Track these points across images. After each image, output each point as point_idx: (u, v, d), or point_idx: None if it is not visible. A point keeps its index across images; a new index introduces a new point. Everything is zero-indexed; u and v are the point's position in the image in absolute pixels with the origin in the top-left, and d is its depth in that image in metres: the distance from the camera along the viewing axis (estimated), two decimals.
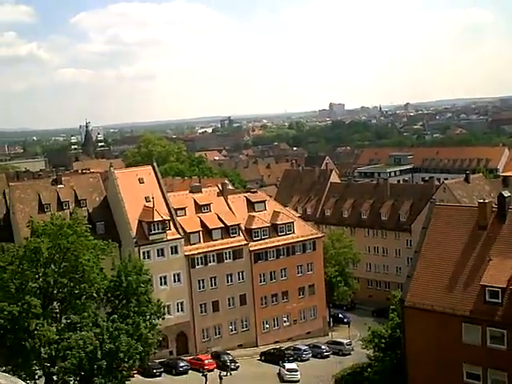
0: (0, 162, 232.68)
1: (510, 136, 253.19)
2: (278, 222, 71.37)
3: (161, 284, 62.85)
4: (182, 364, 59.81)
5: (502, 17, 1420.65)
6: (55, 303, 43.42)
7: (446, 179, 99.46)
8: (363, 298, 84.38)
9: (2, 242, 60.73)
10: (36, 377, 41.34)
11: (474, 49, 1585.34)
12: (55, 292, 42.98)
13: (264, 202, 73.94)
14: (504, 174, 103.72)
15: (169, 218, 65.21)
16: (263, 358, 64.09)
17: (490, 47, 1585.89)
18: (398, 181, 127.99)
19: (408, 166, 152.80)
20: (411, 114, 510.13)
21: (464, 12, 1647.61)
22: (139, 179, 68.22)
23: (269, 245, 70.23)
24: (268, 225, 70.81)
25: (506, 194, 40.33)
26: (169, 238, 64.55)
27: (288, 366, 58.58)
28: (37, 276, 42.07)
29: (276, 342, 68.60)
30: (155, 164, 71.62)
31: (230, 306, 67.89)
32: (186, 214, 67.85)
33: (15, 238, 61.78)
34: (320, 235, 75.49)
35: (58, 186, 68.42)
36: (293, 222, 72.54)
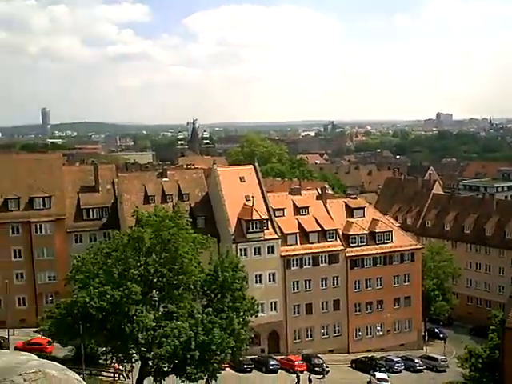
0: (111, 153, 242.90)
1: None
2: (376, 230, 70.28)
3: (256, 282, 63.47)
4: (272, 362, 60.18)
5: None
6: (154, 291, 44.63)
7: None
8: (461, 315, 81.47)
9: (109, 229, 63.57)
10: (133, 360, 42.84)
11: None
12: (155, 281, 44.14)
13: (363, 208, 73.02)
14: None
15: (267, 217, 65.74)
16: (354, 365, 63.33)
17: None
18: (506, 197, 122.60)
19: None
20: None
21: None
22: (240, 178, 69.19)
23: (366, 252, 69.29)
24: (366, 232, 69.87)
25: None
26: (266, 237, 65.07)
27: (379, 375, 57.59)
28: (138, 264, 43.30)
29: (368, 351, 67.50)
30: (257, 164, 72.40)
31: (323, 309, 67.58)
32: (284, 215, 68.15)
33: (121, 225, 64.22)
34: (419, 246, 73.65)
35: (163, 179, 70.57)
36: (391, 231, 71.19)
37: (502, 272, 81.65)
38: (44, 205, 67.34)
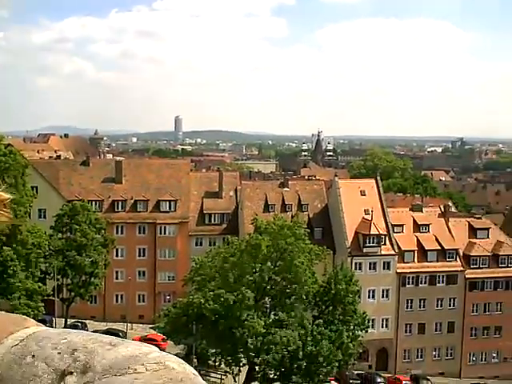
0: (236, 161, 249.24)
1: None
2: (500, 253, 67.50)
3: (369, 297, 63.02)
4: (379, 380, 59.38)
5: None
6: (267, 298, 45.67)
7: None
8: None
9: (228, 235, 65.61)
10: (240, 364, 44.07)
11: None
12: (268, 288, 45.13)
13: (487, 229, 70.36)
14: None
15: (385, 233, 65.13)
16: None
17: None
18: None
19: None
20: None
21: None
22: (361, 191, 69.03)
23: (487, 275, 66.72)
24: (489, 254, 67.30)
25: None
26: (383, 252, 64.49)
27: None
28: (254, 270, 44.35)
29: (481, 378, 64.95)
30: (379, 178, 71.91)
31: (436, 330, 65.84)
32: (403, 232, 67.20)
33: (240, 232, 66.06)
34: None
35: (284, 189, 71.81)
36: None
37: None
38: (170, 208, 70.76)
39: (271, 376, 42.93)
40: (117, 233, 67.79)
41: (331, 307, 45.29)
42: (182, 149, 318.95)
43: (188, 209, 71.32)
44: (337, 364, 42.68)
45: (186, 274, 48.08)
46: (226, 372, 46.63)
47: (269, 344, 41.42)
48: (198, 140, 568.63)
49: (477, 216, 76.10)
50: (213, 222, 71.59)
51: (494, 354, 67.51)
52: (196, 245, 69.93)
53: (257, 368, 43.39)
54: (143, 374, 1.53)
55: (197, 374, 1.61)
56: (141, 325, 65.74)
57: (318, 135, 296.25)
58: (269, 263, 44.65)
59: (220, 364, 46.03)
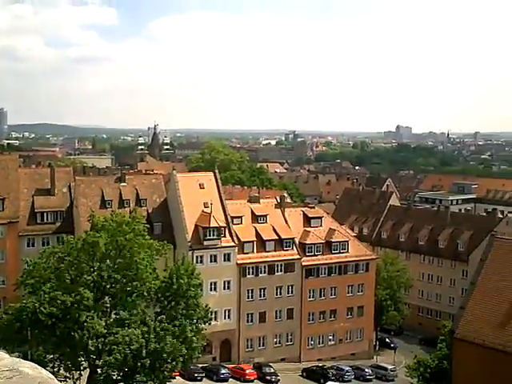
0: (69, 156, 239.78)
1: None
2: (332, 240, 70.99)
3: (211, 290, 63.37)
4: (223, 371, 60.12)
5: None
6: (107, 298, 44.20)
7: (510, 212, 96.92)
8: (412, 325, 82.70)
9: (63, 234, 62.65)
10: (81, 368, 42.23)
11: None
12: (108, 287, 43.76)
13: (321, 218, 73.70)
14: None
15: (225, 225, 65.79)
16: (305, 374, 63.69)
17: None
18: (460, 210, 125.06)
19: (471, 196, 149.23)
20: (480, 143, 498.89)
21: None
22: (200, 184, 69.14)
23: (321, 261, 69.91)
24: (322, 241, 70.52)
25: None
26: (223, 244, 65.10)
27: None
28: (92, 269, 42.95)
29: (319, 360, 68.04)
30: (217, 171, 72.41)
31: (276, 318, 67.83)
32: (242, 223, 68.31)
33: (76, 230, 63.43)
34: (374, 257, 74.67)
35: (121, 184, 70.02)
36: (348, 241, 72.01)
37: (453, 283, 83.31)
38: None
39: (114, 377, 41.58)
40: None
41: (174, 302, 44.82)
42: (8, 143, 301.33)
43: (17, 208, 67.14)
44: (181, 359, 42.35)
45: (18, 278, 45.03)
46: (65, 378, 44.52)
47: (110, 344, 40.18)
48: (26, 134, 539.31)
49: (310, 205, 79.59)
50: (45, 220, 68.14)
51: (331, 337, 71.00)
52: (28, 246, 66.27)
53: (99, 370, 41.77)
54: None
55: (53, 377, 1.47)
56: None
57: (155, 128, 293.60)
58: (108, 261, 43.51)
59: (59, 370, 43.73)
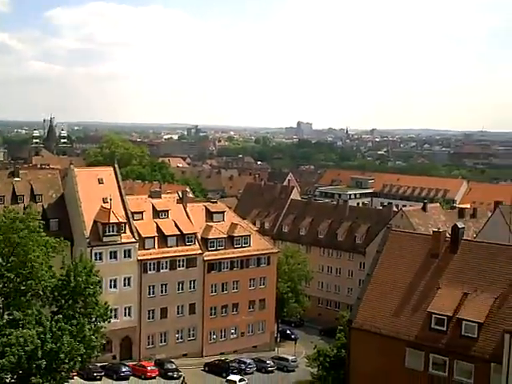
0: None
1: (470, 169, 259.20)
2: (234, 234, 71.27)
3: (110, 287, 61.91)
4: (123, 369, 59.07)
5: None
6: None
7: (404, 206, 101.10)
8: (312, 316, 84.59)
9: None
10: None
11: (452, 82, 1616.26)
12: (0, 286, 42.09)
13: (223, 212, 73.80)
14: (460, 206, 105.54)
15: (125, 220, 64.50)
16: (207, 368, 63.69)
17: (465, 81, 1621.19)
18: (358, 203, 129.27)
19: (368, 190, 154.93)
20: (377, 139, 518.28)
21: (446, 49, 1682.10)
22: (99, 179, 67.43)
23: (223, 256, 70.03)
24: (225, 236, 70.65)
25: (460, 225, 41.00)
26: (123, 241, 63.77)
27: (231, 377, 58.58)
28: None
29: (222, 354, 68.22)
30: (116, 165, 70.81)
31: (178, 313, 67.32)
32: (142, 219, 67.23)
33: None
34: (275, 250, 75.64)
35: (15, 179, 67.16)
36: (249, 236, 72.53)
37: (351, 275, 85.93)
38: None
39: (7, 380, 39.86)
40: None
41: (71, 301, 43.77)
42: None
43: None
44: (80, 359, 41.33)
45: None
46: None
47: (3, 346, 38.65)
48: None
49: (213, 200, 79.81)
50: None
51: (233, 330, 71.36)
52: None
53: None
54: None
55: None
56: None
57: (51, 121, 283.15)
58: (0, 259, 41.50)
59: None
